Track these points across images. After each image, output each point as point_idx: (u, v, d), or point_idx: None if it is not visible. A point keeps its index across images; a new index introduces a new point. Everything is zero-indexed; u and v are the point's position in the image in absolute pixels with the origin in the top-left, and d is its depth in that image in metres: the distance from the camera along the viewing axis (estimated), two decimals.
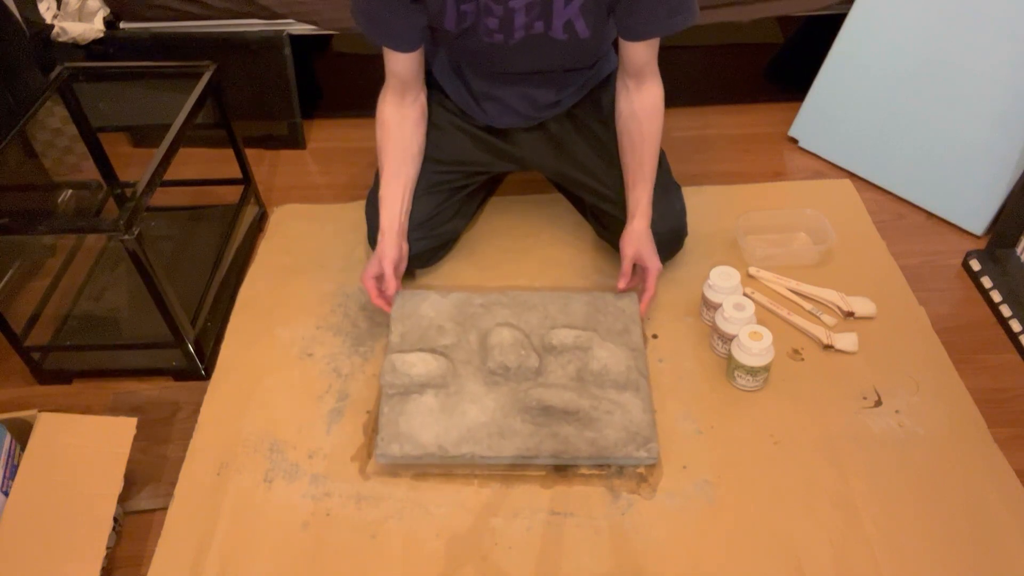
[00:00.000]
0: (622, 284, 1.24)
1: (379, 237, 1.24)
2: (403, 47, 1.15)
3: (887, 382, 1.19)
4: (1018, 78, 1.37)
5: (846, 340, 1.24)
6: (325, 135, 1.81)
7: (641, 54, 1.15)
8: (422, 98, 1.28)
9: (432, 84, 1.33)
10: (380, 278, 1.23)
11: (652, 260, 1.22)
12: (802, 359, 1.23)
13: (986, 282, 1.34)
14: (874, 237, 1.45)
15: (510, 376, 1.16)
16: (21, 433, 1.05)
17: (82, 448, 1.03)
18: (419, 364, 1.15)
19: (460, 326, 1.24)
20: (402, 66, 1.19)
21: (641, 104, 1.20)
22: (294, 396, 1.21)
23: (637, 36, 1.13)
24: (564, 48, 1.16)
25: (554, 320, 1.24)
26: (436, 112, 1.33)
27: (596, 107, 1.32)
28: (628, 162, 1.23)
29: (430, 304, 1.27)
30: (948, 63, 1.45)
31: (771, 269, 1.38)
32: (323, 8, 1.57)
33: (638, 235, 1.21)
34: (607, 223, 1.35)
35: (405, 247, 1.27)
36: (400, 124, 1.24)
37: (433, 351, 1.19)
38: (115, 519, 1.05)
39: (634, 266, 1.24)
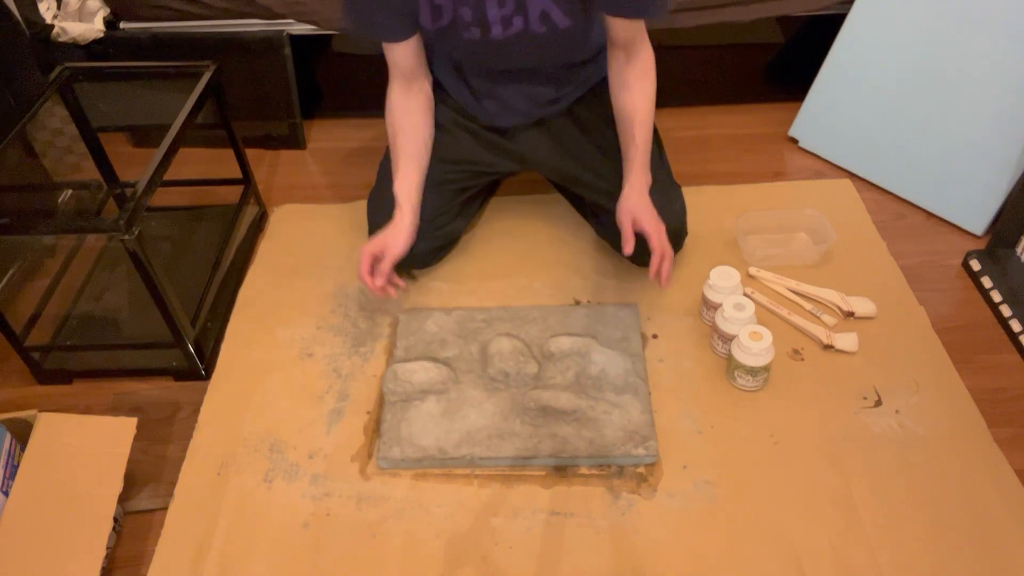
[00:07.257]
0: (626, 248, 1.16)
1: (395, 212, 1.21)
2: (391, 37, 1.15)
3: (887, 382, 1.19)
4: (1018, 78, 1.37)
5: (846, 340, 1.24)
6: (325, 135, 1.81)
7: (626, 26, 1.14)
8: (427, 88, 1.28)
9: (434, 83, 1.33)
10: (377, 259, 1.20)
11: (649, 222, 1.15)
12: (802, 359, 1.23)
13: (986, 282, 1.34)
14: (874, 237, 1.45)
15: (510, 382, 1.17)
16: (21, 433, 1.05)
17: (82, 448, 1.03)
18: (420, 372, 1.17)
19: (462, 339, 1.25)
20: (399, 56, 1.19)
21: (632, 72, 1.18)
22: (294, 396, 1.21)
23: (616, 11, 1.12)
24: (547, 42, 1.15)
25: (554, 331, 1.25)
26: (439, 111, 1.33)
27: (598, 103, 1.31)
28: (621, 132, 1.22)
29: (433, 321, 1.28)
30: (948, 63, 1.45)
31: (771, 269, 1.38)
32: (323, 8, 1.57)
33: (630, 201, 1.17)
34: (607, 222, 1.34)
35: (412, 236, 1.24)
36: (410, 111, 1.25)
37: (435, 360, 1.20)
38: (115, 519, 1.05)
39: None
